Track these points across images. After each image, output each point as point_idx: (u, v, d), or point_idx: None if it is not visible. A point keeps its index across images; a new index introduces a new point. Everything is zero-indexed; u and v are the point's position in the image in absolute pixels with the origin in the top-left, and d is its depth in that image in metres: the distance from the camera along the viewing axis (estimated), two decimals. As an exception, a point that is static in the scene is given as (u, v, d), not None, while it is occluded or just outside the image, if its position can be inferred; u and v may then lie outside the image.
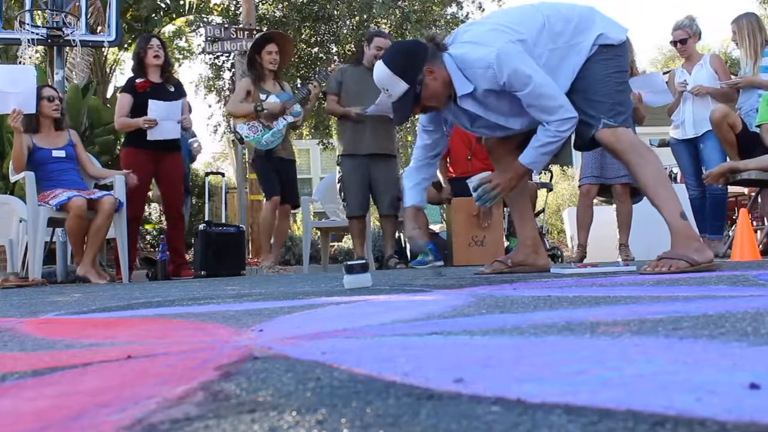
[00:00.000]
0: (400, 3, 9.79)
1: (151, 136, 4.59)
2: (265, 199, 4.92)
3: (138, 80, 4.72)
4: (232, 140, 10.60)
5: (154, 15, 11.47)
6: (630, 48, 4.76)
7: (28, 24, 5.10)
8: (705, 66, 4.75)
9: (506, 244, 5.07)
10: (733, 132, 4.14)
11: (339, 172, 4.96)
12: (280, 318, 1.27)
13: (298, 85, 5.29)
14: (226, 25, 7.97)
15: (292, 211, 5.40)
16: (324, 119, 10.40)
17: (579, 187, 4.87)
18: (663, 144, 5.42)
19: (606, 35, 2.41)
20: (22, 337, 1.16)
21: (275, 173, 4.83)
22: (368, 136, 4.79)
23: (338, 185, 4.99)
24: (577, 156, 12.46)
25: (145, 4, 10.82)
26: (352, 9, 9.43)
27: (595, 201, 4.93)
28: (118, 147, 6.78)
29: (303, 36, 10.03)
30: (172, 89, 4.80)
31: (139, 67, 4.75)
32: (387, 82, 2.39)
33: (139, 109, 4.61)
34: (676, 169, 7.21)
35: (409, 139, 10.90)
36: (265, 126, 4.72)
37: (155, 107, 4.58)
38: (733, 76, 4.80)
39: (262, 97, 4.74)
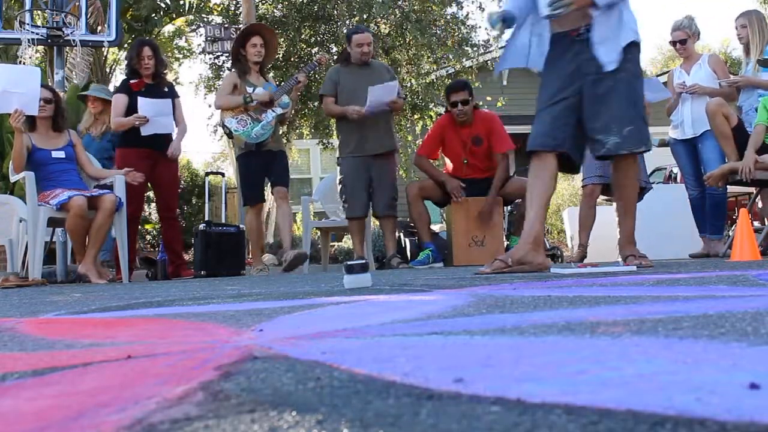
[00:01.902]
0: (399, 3, 9.79)
1: (145, 131, 4.61)
2: (242, 203, 4.88)
3: (132, 81, 4.74)
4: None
5: (154, 15, 11.49)
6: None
7: (28, 24, 5.11)
8: (703, 66, 4.75)
9: (506, 243, 5.06)
10: (729, 124, 4.14)
11: (340, 173, 4.94)
12: (280, 318, 1.27)
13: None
14: (226, 25, 7.98)
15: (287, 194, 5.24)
16: (324, 119, 10.39)
17: (582, 187, 4.86)
18: (663, 144, 5.43)
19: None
20: (22, 337, 1.16)
21: (263, 170, 4.77)
22: (370, 137, 4.77)
23: (339, 186, 4.96)
24: (577, 156, 12.45)
25: (145, 4, 10.84)
26: (352, 9, 9.43)
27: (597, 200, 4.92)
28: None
29: (303, 36, 10.02)
30: (166, 90, 4.83)
31: (132, 73, 4.78)
32: None
33: (134, 109, 4.63)
34: (676, 169, 7.22)
35: (409, 138, 10.89)
36: (254, 119, 4.66)
37: (145, 104, 4.60)
38: (731, 76, 4.80)
39: (249, 90, 4.70)
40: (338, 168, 4.98)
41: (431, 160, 5.10)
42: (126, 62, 4.94)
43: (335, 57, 9.60)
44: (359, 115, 4.66)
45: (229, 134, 4.77)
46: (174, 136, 4.88)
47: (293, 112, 5.00)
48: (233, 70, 4.91)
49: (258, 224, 4.83)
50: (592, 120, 2.74)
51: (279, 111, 4.73)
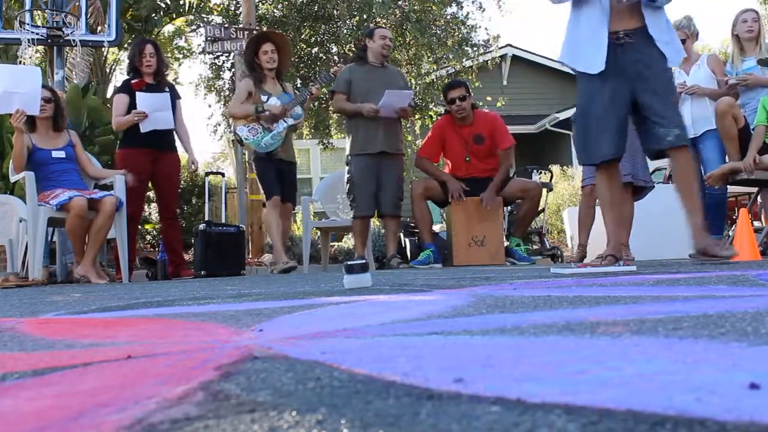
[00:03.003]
0: (400, 3, 9.79)
1: (144, 128, 4.58)
2: (265, 199, 4.89)
3: (133, 81, 4.73)
4: (232, 140, 10.57)
5: (154, 15, 11.48)
6: None
7: (28, 24, 5.11)
8: (702, 66, 4.74)
9: (506, 244, 5.06)
10: (736, 126, 4.14)
11: (348, 172, 4.91)
12: (280, 318, 1.27)
13: (299, 86, 5.25)
14: (226, 25, 7.97)
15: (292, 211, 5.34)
16: (324, 119, 10.38)
17: (582, 187, 4.85)
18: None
19: None
20: (22, 337, 1.16)
21: (276, 173, 4.80)
22: (380, 135, 4.76)
23: (347, 185, 4.94)
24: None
25: (145, 4, 10.84)
26: (352, 9, 9.43)
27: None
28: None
29: (303, 36, 10.02)
30: (167, 90, 4.82)
31: (134, 71, 4.77)
32: None
33: (134, 108, 4.61)
34: (676, 169, 7.19)
35: (409, 138, 10.89)
36: (265, 128, 4.66)
37: (143, 99, 4.58)
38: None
39: (263, 98, 4.69)
40: (346, 167, 4.96)
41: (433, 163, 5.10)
42: (128, 61, 4.93)
43: (335, 58, 9.63)
44: (375, 112, 4.65)
45: (240, 142, 4.81)
46: (175, 134, 4.88)
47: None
48: (248, 77, 4.87)
49: (276, 218, 4.79)
50: (653, 116, 2.88)
51: (291, 122, 4.73)
